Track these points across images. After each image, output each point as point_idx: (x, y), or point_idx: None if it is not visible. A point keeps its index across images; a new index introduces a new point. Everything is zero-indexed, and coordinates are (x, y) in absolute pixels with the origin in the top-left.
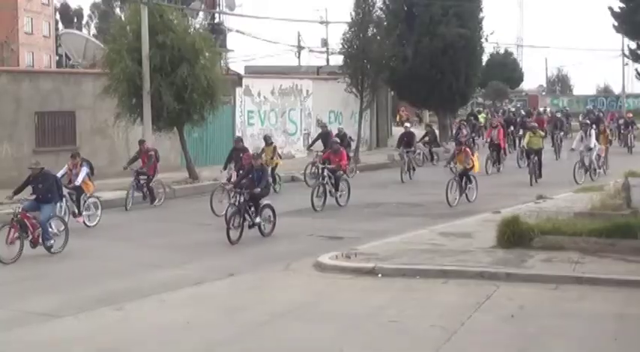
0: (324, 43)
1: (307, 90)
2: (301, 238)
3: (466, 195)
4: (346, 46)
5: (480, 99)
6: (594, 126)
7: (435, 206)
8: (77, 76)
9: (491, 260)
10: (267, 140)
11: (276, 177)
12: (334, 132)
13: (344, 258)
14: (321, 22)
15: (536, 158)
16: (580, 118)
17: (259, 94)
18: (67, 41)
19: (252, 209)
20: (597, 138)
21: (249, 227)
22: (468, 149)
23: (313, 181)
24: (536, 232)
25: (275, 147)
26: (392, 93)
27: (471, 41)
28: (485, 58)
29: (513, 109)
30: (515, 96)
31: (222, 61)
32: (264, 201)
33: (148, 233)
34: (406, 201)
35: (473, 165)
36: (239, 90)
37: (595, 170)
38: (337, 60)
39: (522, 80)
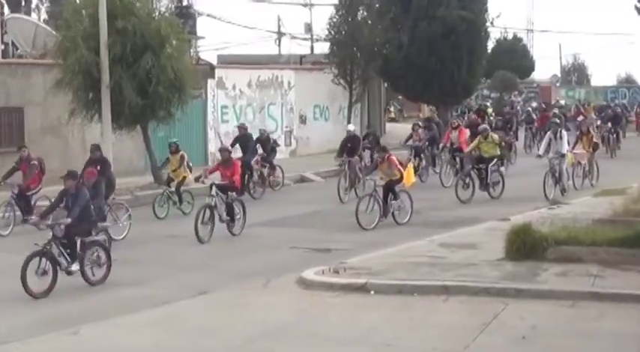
0: (308, 28)
1: (289, 83)
2: (283, 251)
3: (393, 215)
4: (333, 32)
5: (486, 91)
6: (610, 123)
7: (433, 213)
8: (25, 67)
9: (498, 274)
10: (173, 147)
11: (183, 196)
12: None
13: (331, 273)
14: (305, 5)
15: (482, 168)
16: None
17: (234, 87)
18: (13, 27)
19: (68, 250)
20: (578, 141)
21: (68, 274)
22: (392, 157)
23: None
24: (550, 242)
25: (183, 156)
26: (385, 85)
27: (474, 25)
28: (490, 45)
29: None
30: (526, 88)
31: (191, 50)
32: (91, 238)
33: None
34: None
35: (400, 177)
36: (211, 83)
37: (567, 183)
38: (323, 48)
39: (533, 69)
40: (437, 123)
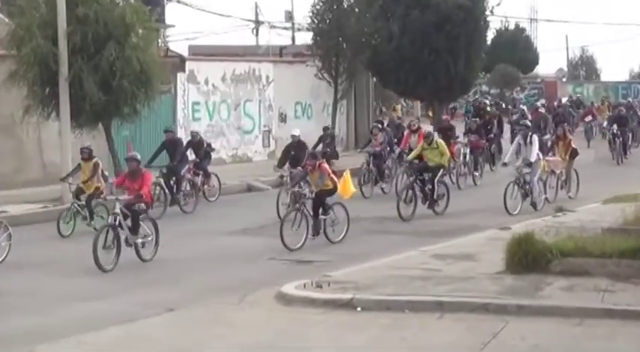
0: (289, 16)
1: (267, 77)
2: (260, 263)
3: (325, 233)
4: (316, 21)
5: (485, 87)
6: (616, 125)
7: (426, 221)
8: None
9: (498, 288)
10: (85, 152)
11: (96, 210)
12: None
13: (314, 288)
14: None
15: (427, 179)
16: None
17: (207, 81)
18: None
19: None
20: (553, 147)
21: None
22: (325, 165)
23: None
24: (555, 253)
25: (97, 164)
26: (374, 79)
27: (472, 14)
28: (490, 36)
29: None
30: (529, 83)
31: (159, 40)
32: None
33: (64, 258)
34: (391, 215)
35: (334, 188)
36: (181, 77)
37: (539, 196)
38: (305, 38)
39: (537, 63)
40: (397, 126)
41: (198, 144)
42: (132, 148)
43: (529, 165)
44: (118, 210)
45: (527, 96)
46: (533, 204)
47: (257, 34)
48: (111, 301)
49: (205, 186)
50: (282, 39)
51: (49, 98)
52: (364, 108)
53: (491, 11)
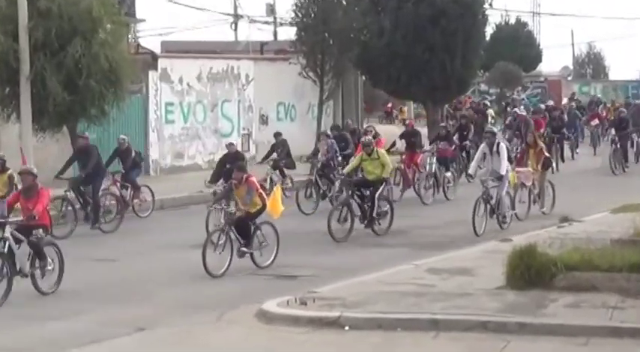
0: (270, 10)
1: (247, 75)
2: (238, 278)
3: (252, 257)
4: (300, 15)
5: (484, 86)
6: (614, 130)
7: (420, 232)
8: None
9: (498, 305)
10: None
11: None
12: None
13: (298, 305)
14: None
15: (366, 195)
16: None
17: (181, 80)
18: None
19: None
20: (523, 157)
21: None
22: (252, 179)
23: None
24: (560, 267)
25: (12, 177)
26: (363, 78)
27: (470, 7)
28: (489, 31)
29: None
30: (531, 82)
31: (129, 35)
32: None
33: None
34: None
35: (262, 206)
36: (153, 75)
37: (509, 212)
38: (288, 33)
39: (540, 60)
40: (352, 132)
41: (125, 152)
42: (26, 159)
43: (499, 178)
44: (8, 234)
45: (529, 96)
46: (500, 222)
47: (236, 29)
48: (76, 319)
49: (135, 201)
50: (263, 34)
51: (9, 98)
52: (353, 109)
53: (490, 4)
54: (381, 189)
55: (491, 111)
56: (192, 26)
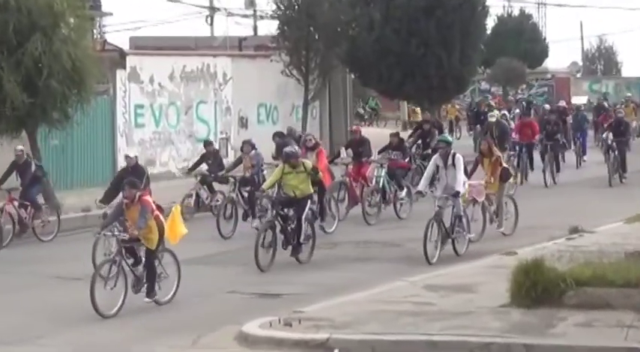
0: (250, 2)
1: (224, 74)
2: (217, 297)
3: (153, 297)
4: (283, 7)
5: (484, 84)
6: (612, 134)
7: (416, 245)
8: None
9: (502, 325)
10: None
11: None
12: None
13: (282, 326)
14: None
15: (291, 215)
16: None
17: (152, 80)
18: None
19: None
20: (477, 167)
21: None
22: (147, 198)
23: None
24: (570, 282)
25: None
26: (352, 76)
27: None
28: (490, 24)
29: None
30: (537, 80)
31: (94, 31)
32: None
33: None
34: (374, 238)
35: (159, 236)
36: (121, 75)
37: (466, 235)
38: (270, 27)
39: (546, 55)
40: (298, 139)
41: (24, 165)
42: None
43: (455, 195)
44: None
45: (534, 95)
46: (456, 248)
47: (212, 24)
48: (36, 342)
49: (38, 222)
50: (242, 29)
51: None
52: (341, 110)
53: None
54: (307, 208)
55: (496, 113)
56: (164, 20)
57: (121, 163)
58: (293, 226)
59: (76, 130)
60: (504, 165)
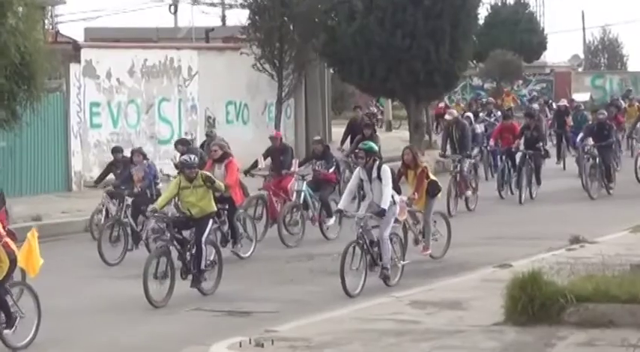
0: None
1: (190, 69)
2: (180, 315)
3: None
4: None
5: (477, 80)
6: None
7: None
8: None
9: (496, 345)
10: None
11: None
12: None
13: (253, 347)
14: None
15: (190, 240)
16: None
17: (109, 75)
18: None
19: None
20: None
21: None
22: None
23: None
24: (570, 298)
25: None
26: (331, 71)
27: None
28: (483, 12)
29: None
30: (534, 75)
31: (45, 21)
32: None
33: None
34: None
35: (11, 262)
36: (75, 69)
37: (399, 261)
38: (240, 17)
39: (545, 48)
40: (200, 146)
41: None
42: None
43: (380, 213)
44: None
45: (531, 91)
46: (384, 276)
47: (175, 13)
48: None
49: None
50: (209, 19)
51: None
52: (318, 108)
53: None
54: (208, 228)
55: (496, 113)
56: (123, 9)
57: (76, 167)
58: (193, 251)
59: (25, 131)
60: (432, 177)
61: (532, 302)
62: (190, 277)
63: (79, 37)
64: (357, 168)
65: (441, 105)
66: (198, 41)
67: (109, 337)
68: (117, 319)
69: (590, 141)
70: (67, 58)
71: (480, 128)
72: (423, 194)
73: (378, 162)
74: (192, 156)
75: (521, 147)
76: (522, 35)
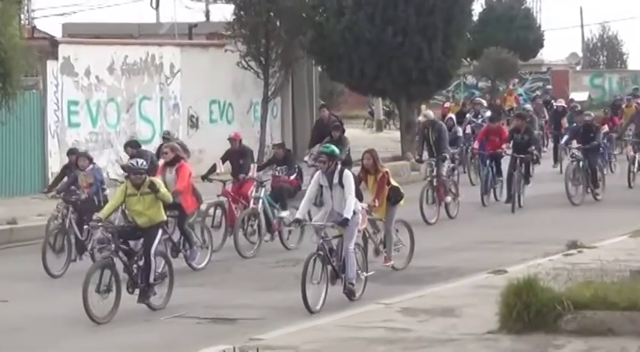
0: None
1: (172, 66)
2: (160, 322)
3: None
4: None
5: (470, 78)
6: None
7: (393, 262)
8: None
9: None
10: None
11: None
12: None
13: None
14: None
15: (137, 251)
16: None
17: (88, 73)
18: None
19: None
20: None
21: None
22: None
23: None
24: (567, 305)
25: None
26: (319, 68)
27: None
28: (478, 9)
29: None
30: (530, 73)
31: (21, 16)
32: None
33: None
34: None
35: None
36: (53, 66)
37: (357, 276)
38: (224, 13)
39: (542, 46)
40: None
41: None
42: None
43: (343, 223)
44: None
45: (527, 90)
46: (349, 291)
47: (157, 8)
48: None
49: None
50: (193, 14)
51: None
52: (305, 108)
53: None
54: (157, 239)
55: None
56: (102, 4)
57: (53, 168)
58: (141, 263)
59: (0, 130)
60: (393, 183)
61: (528, 310)
62: (138, 291)
63: (57, 33)
64: (317, 173)
65: (447, 105)
66: (180, 37)
67: (76, 348)
68: (87, 328)
69: (575, 143)
70: (44, 55)
71: (461, 131)
72: (383, 201)
73: (340, 167)
74: (140, 161)
75: (509, 151)
76: (518, 32)
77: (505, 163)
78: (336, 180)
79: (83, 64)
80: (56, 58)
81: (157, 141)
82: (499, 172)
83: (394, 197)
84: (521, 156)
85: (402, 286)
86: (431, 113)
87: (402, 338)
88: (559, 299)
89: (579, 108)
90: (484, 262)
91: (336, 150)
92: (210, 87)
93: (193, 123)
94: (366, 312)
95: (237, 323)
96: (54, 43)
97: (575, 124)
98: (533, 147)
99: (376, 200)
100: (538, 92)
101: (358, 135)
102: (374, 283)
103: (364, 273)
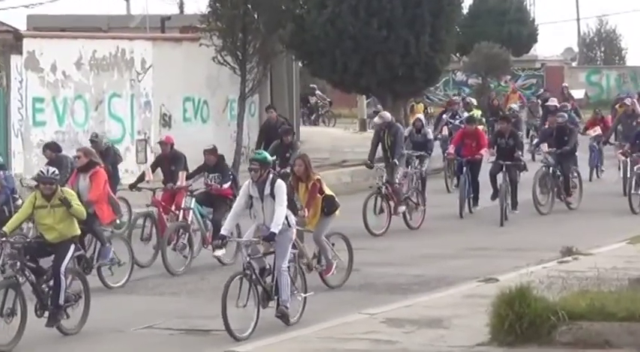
0: None
1: (143, 61)
2: (129, 333)
3: None
4: None
5: (460, 75)
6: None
7: (378, 271)
8: None
9: None
10: None
11: None
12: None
13: None
14: None
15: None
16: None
17: (54, 68)
18: None
19: None
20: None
21: None
22: None
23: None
24: (562, 315)
25: None
26: (300, 64)
27: None
28: (468, 1)
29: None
30: (524, 70)
31: None
32: None
33: None
34: None
35: None
36: (17, 61)
37: (289, 298)
38: (199, 5)
39: (535, 40)
40: (105, 152)
41: None
42: None
43: (268, 238)
44: None
45: (519, 87)
46: (282, 314)
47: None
48: None
49: None
50: (165, 6)
51: None
52: (285, 106)
53: None
54: (68, 256)
55: (476, 112)
56: None
57: (17, 169)
58: (50, 283)
59: None
60: (327, 192)
61: (520, 320)
62: (47, 314)
63: (21, 26)
64: (246, 183)
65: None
66: (152, 31)
67: None
68: (55, 340)
69: (546, 147)
70: (7, 49)
71: (431, 134)
72: (317, 211)
73: (272, 176)
74: (52, 169)
75: (492, 159)
76: (510, 26)
77: (484, 171)
78: (267, 190)
79: (49, 58)
80: (20, 53)
81: (127, 141)
82: (475, 181)
83: (327, 207)
84: (507, 162)
85: (388, 295)
86: (388, 115)
87: (386, 350)
88: (553, 309)
89: (555, 104)
90: (474, 270)
91: (269, 157)
92: (183, 83)
93: (166, 121)
94: (348, 323)
95: (211, 334)
96: (18, 37)
97: (547, 126)
98: (520, 153)
99: (306, 210)
100: (541, 89)
101: (339, 136)
102: (358, 292)
103: (301, 294)
